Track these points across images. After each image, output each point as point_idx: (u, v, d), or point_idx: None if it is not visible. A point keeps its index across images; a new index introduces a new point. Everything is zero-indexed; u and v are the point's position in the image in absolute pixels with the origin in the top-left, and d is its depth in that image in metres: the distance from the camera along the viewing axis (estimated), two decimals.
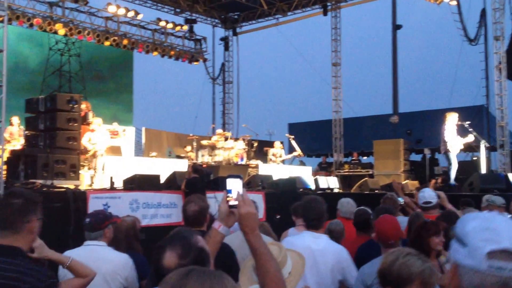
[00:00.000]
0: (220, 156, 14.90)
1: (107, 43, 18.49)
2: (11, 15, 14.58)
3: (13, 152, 10.46)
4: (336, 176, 15.93)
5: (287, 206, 5.88)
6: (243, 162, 15.21)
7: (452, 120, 11.51)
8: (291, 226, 5.48)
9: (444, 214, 4.94)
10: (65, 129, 9.97)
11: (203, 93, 23.92)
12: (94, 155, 11.06)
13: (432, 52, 57.93)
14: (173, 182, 9.83)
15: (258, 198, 9.91)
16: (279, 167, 15.12)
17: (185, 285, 1.29)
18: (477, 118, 17.22)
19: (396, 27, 24.91)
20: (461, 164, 12.66)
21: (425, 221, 3.89)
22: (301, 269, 2.89)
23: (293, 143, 16.83)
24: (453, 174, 11.90)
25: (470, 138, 11.70)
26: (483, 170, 13.80)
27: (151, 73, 39.72)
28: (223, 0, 20.75)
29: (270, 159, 15.88)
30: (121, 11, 18.53)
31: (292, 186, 11.71)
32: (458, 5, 18.26)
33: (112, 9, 18.31)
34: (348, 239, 4.91)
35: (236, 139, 16.22)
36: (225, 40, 23.39)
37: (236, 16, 22.89)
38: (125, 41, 18.99)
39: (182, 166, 12.16)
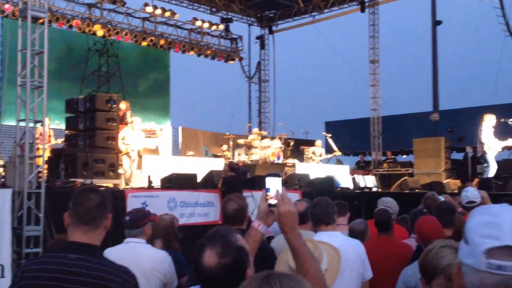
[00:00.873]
0: (256, 155, 14.88)
1: (144, 44, 18.77)
2: (51, 17, 14.88)
3: (54, 152, 10.70)
4: (375, 175, 15.69)
5: None
6: (280, 161, 15.17)
7: (489, 121, 11.46)
8: None
9: None
10: (104, 128, 10.16)
11: (239, 92, 24.01)
12: (127, 155, 11.03)
13: (474, 47, 56.54)
14: (210, 181, 9.85)
15: (295, 197, 9.77)
16: (316, 166, 14.99)
17: None
18: None
19: (436, 23, 24.43)
20: (504, 162, 12.44)
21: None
22: (337, 265, 2.82)
23: (330, 141, 16.70)
24: (490, 175, 11.71)
25: (510, 142, 11.57)
26: None
27: (187, 73, 40.12)
28: None
29: (310, 158, 15.78)
30: (158, 12, 18.82)
31: (329, 185, 11.57)
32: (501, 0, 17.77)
33: (149, 9, 18.59)
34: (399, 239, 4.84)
35: (273, 138, 16.17)
36: (261, 38, 23.39)
37: (272, 15, 22.86)
38: (162, 41, 19.21)
39: (218, 165, 12.18)
